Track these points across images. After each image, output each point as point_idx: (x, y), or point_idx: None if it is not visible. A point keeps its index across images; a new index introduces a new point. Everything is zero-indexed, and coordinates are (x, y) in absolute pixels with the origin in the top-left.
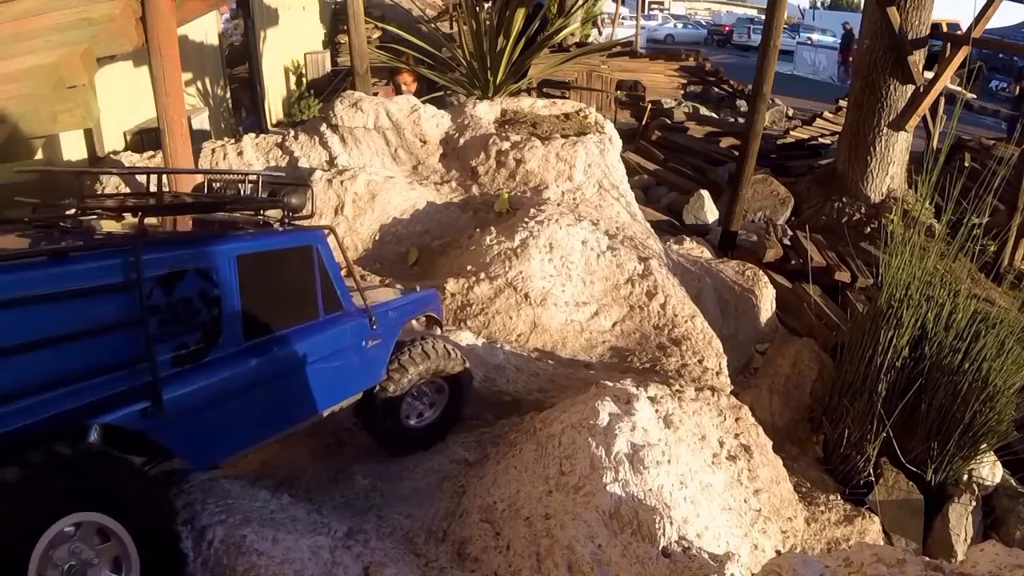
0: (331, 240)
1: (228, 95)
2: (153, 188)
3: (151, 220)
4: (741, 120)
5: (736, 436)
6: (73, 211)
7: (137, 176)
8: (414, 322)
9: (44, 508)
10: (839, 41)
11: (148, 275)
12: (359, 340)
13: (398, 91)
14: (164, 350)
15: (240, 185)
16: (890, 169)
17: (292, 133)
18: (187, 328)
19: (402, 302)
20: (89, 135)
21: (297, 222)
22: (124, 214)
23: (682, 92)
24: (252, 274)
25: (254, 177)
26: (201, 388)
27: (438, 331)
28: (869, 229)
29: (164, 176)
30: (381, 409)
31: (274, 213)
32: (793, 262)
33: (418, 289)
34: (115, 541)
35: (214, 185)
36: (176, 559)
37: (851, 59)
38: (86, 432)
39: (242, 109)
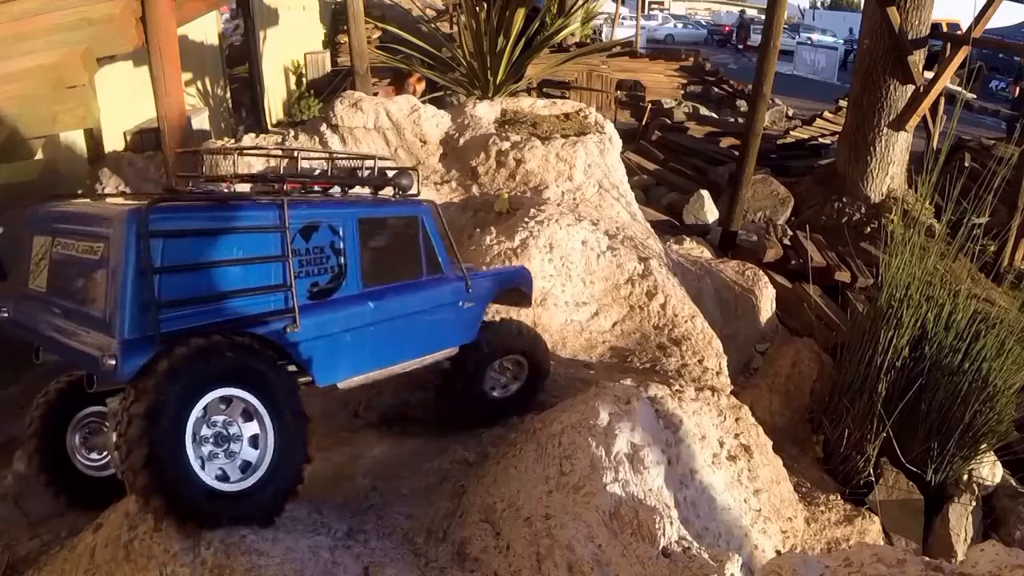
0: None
1: (228, 95)
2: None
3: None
4: (741, 120)
5: (736, 436)
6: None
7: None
8: None
9: (203, 378)
10: (736, 25)
11: (292, 224)
12: (456, 300)
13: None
14: (303, 285)
15: (357, 166)
16: (890, 169)
17: (292, 133)
18: (320, 270)
19: (496, 273)
20: (89, 135)
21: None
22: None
23: (682, 92)
24: (370, 234)
25: (371, 161)
26: (328, 318)
27: (527, 306)
28: (869, 229)
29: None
30: (468, 370)
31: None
32: (793, 262)
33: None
34: (256, 420)
35: (335, 165)
36: (305, 440)
37: (747, 43)
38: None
39: (242, 109)
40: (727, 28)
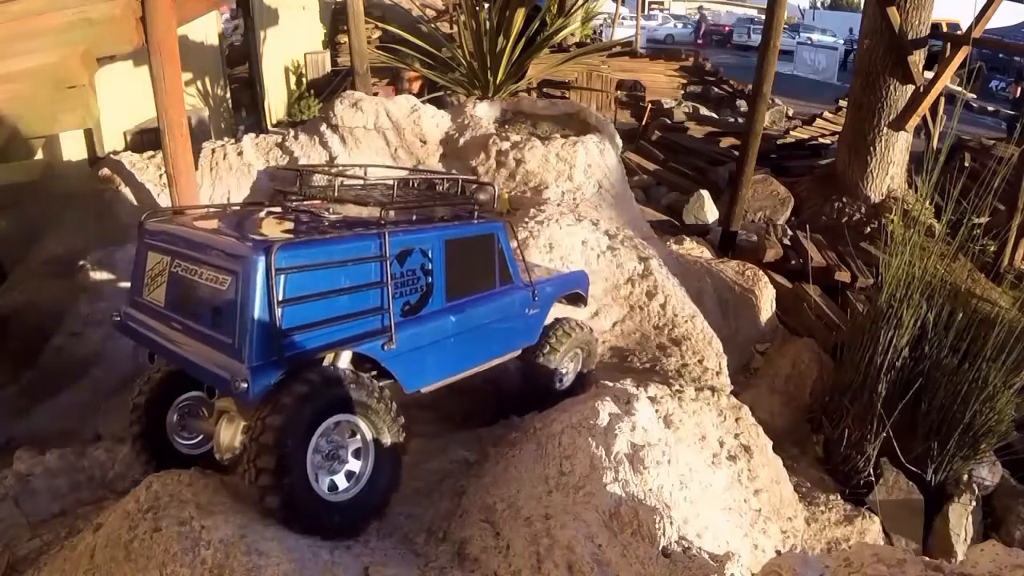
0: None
1: (228, 95)
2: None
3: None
4: (741, 120)
5: (736, 436)
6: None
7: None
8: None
9: (321, 408)
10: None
11: (390, 252)
12: (523, 308)
13: (400, 91)
14: (397, 305)
15: (437, 184)
16: (890, 169)
17: (292, 133)
18: (411, 290)
19: (557, 280)
20: (89, 135)
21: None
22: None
23: (682, 92)
24: (453, 253)
25: (452, 177)
26: (417, 333)
27: (582, 306)
28: (869, 229)
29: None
30: (541, 369)
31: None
32: (793, 262)
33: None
34: (359, 436)
35: (413, 182)
36: (402, 449)
37: (703, 41)
38: (346, 357)
39: (242, 109)
40: (727, 28)
